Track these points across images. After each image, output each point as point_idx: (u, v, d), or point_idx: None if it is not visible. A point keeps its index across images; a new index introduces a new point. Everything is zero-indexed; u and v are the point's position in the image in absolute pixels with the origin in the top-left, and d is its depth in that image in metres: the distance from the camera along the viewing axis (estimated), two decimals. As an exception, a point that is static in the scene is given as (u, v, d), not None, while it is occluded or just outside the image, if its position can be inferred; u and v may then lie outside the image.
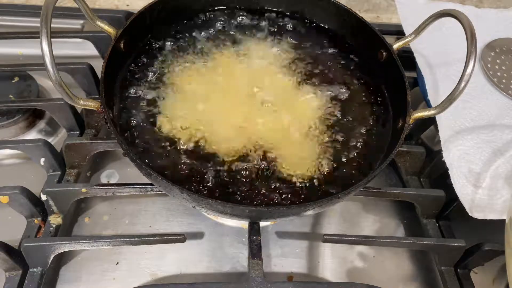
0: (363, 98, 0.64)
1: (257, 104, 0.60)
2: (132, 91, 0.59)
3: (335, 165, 0.55)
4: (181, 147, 0.55)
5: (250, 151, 0.55)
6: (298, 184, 0.53)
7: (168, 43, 0.66)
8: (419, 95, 0.73)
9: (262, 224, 0.58)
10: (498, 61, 0.75)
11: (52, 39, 0.42)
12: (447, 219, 0.64)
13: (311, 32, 0.71)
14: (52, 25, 0.43)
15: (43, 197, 0.59)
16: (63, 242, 0.53)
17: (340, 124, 0.60)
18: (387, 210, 0.68)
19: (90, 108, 0.49)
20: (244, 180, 0.53)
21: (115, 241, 0.55)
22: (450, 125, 0.64)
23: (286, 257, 0.61)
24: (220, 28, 0.70)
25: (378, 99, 0.64)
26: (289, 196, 0.52)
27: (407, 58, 0.71)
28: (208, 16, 0.71)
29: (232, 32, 0.69)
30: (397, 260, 0.63)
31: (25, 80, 0.72)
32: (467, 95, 0.68)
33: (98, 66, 0.58)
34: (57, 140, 0.71)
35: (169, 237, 0.55)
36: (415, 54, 0.72)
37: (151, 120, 0.57)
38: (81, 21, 0.88)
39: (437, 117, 0.64)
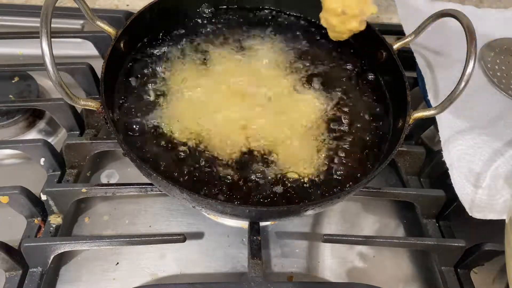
0: (363, 98, 0.64)
1: (258, 104, 0.60)
2: (132, 91, 0.59)
3: (335, 165, 0.55)
4: (181, 147, 0.55)
5: (250, 151, 0.55)
6: (298, 184, 0.53)
7: (168, 43, 0.66)
8: (419, 95, 0.73)
9: (262, 224, 0.58)
10: (498, 61, 0.75)
11: (52, 39, 0.42)
12: (447, 219, 0.64)
13: (311, 32, 0.71)
14: (52, 25, 0.43)
15: (43, 197, 0.59)
16: (63, 242, 0.53)
17: (340, 124, 0.60)
18: (387, 210, 0.68)
19: (90, 108, 0.49)
20: (244, 180, 0.53)
21: (115, 241, 0.55)
22: (450, 125, 0.64)
23: (286, 257, 0.61)
24: (220, 28, 0.70)
25: (378, 99, 0.64)
26: (289, 196, 0.52)
27: (407, 58, 0.71)
28: (208, 16, 0.71)
29: (232, 32, 0.69)
30: (397, 260, 0.63)
31: (25, 80, 0.72)
32: (467, 95, 0.67)
33: (98, 66, 0.58)
34: (57, 140, 0.71)
35: (169, 237, 0.55)
36: (415, 54, 0.72)
37: (151, 120, 0.57)
38: (81, 21, 0.88)
39: (437, 117, 0.64)
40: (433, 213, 0.64)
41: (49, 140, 0.69)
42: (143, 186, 0.58)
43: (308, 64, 0.67)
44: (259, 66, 0.65)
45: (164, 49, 0.65)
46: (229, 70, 0.64)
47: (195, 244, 0.61)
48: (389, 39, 0.65)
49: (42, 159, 0.62)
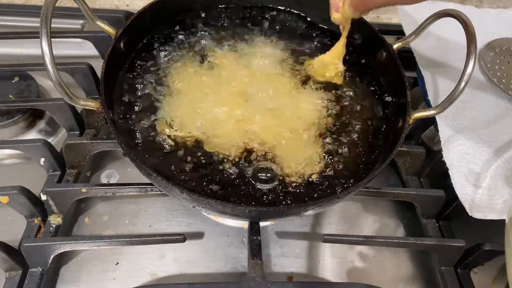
0: (363, 98, 0.64)
1: (258, 104, 0.60)
2: (132, 91, 0.59)
3: (335, 165, 0.55)
4: (181, 146, 0.55)
5: (250, 151, 0.55)
6: (298, 184, 0.53)
7: (167, 43, 0.66)
8: (419, 95, 0.73)
9: (262, 224, 0.58)
10: (498, 61, 0.75)
11: (52, 39, 0.42)
12: (447, 219, 0.64)
13: (311, 32, 0.71)
14: (52, 25, 0.43)
15: (43, 197, 0.59)
16: (63, 242, 0.53)
17: (340, 124, 0.60)
18: (387, 210, 0.68)
19: (90, 108, 0.49)
20: (245, 180, 0.53)
21: (115, 241, 0.55)
22: (450, 125, 0.64)
23: (286, 257, 0.61)
24: (220, 28, 0.70)
25: (378, 99, 0.64)
26: (289, 196, 0.52)
27: (407, 58, 0.71)
28: (208, 16, 0.71)
29: (232, 32, 0.69)
30: (397, 260, 0.63)
31: (25, 80, 0.72)
32: (467, 95, 0.68)
33: (98, 66, 0.58)
34: (57, 140, 0.71)
35: (169, 237, 0.55)
36: (415, 54, 0.72)
37: (151, 120, 0.57)
38: (81, 21, 0.88)
39: (437, 117, 0.64)
40: (433, 213, 0.64)
41: (49, 140, 0.69)
42: (143, 186, 0.58)
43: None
44: (259, 66, 0.65)
45: (164, 49, 0.65)
46: (229, 70, 0.64)
47: (195, 244, 0.61)
48: (389, 39, 0.65)
49: (42, 159, 0.61)
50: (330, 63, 0.63)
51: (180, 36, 0.67)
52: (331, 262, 0.61)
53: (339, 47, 0.62)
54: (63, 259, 0.58)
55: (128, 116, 0.57)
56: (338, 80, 0.64)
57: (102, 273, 0.57)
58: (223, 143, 0.55)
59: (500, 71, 0.73)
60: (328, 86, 0.64)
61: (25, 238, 0.56)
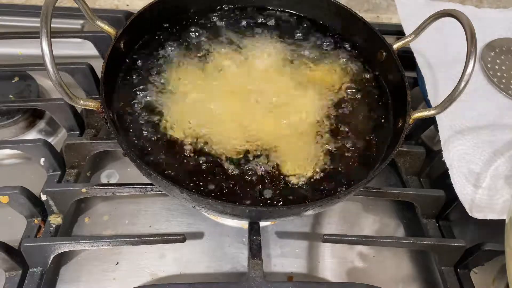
0: (363, 98, 0.64)
1: (258, 104, 0.60)
2: (132, 91, 0.59)
3: (335, 165, 0.55)
4: (181, 146, 0.55)
5: (251, 151, 0.55)
6: (298, 184, 0.53)
7: (168, 43, 0.66)
8: (419, 95, 0.73)
9: (262, 224, 0.58)
10: (498, 61, 0.75)
11: (52, 39, 0.42)
12: (447, 219, 0.64)
13: (311, 32, 0.71)
14: (52, 25, 0.43)
15: (43, 197, 0.59)
16: (63, 242, 0.53)
17: (340, 124, 0.60)
18: (387, 210, 0.68)
19: (90, 108, 0.49)
20: (245, 180, 0.53)
21: (115, 241, 0.55)
22: (450, 125, 0.64)
23: (286, 257, 0.61)
24: (220, 27, 0.70)
25: (378, 99, 0.64)
26: (289, 196, 0.52)
27: (407, 58, 0.71)
28: (208, 16, 0.71)
29: (232, 32, 0.69)
30: (397, 260, 0.63)
31: (25, 80, 0.72)
32: (467, 95, 0.67)
33: (98, 66, 0.58)
34: (57, 140, 0.71)
35: (169, 237, 0.55)
36: (415, 54, 0.72)
37: (151, 120, 0.57)
38: (81, 21, 0.88)
39: (437, 117, 0.64)
40: (433, 213, 0.64)
41: (49, 140, 0.69)
42: (143, 186, 0.58)
43: (308, 64, 0.67)
44: (259, 66, 0.65)
45: (165, 49, 0.65)
46: (229, 70, 0.64)
47: (195, 244, 0.61)
48: (389, 39, 0.65)
49: (42, 159, 0.61)
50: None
51: (181, 36, 0.67)
52: (331, 262, 0.61)
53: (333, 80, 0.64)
54: (63, 259, 0.58)
55: (128, 116, 0.57)
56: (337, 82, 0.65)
57: (102, 273, 0.57)
58: (224, 143, 0.55)
59: (500, 71, 0.73)
60: (328, 86, 0.64)
61: (25, 238, 0.56)
